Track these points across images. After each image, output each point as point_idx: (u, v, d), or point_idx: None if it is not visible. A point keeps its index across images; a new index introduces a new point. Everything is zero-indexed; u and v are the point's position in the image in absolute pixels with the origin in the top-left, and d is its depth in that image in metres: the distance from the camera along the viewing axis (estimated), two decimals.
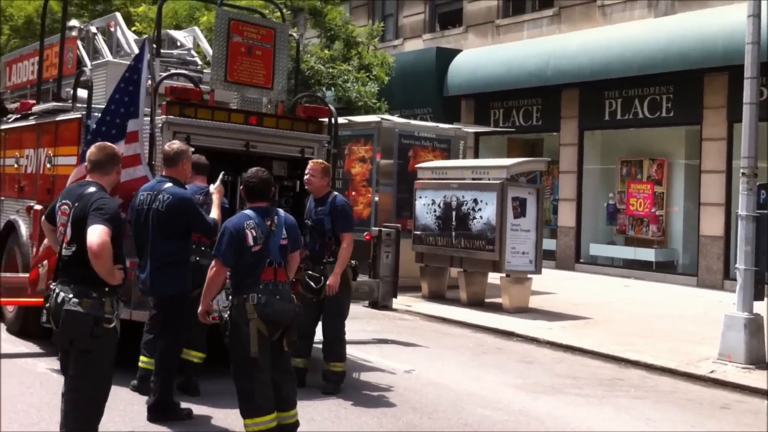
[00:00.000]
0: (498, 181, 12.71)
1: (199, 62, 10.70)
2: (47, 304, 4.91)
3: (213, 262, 5.70)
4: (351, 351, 9.14)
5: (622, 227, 18.55)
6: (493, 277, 13.34)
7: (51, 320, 4.89)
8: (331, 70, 19.19)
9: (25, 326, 8.75)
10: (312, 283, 7.37)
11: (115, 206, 4.96)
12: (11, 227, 9.47)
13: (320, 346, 7.68)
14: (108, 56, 10.30)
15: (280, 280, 5.76)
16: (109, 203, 4.87)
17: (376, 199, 14.68)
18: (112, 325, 4.84)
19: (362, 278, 9.31)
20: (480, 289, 13.24)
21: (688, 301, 14.45)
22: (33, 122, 9.67)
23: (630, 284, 16.58)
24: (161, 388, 6.34)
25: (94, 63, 10.16)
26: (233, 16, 8.51)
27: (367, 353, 9.37)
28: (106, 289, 4.82)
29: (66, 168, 8.27)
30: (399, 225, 9.70)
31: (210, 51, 9.81)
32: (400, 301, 12.93)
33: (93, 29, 11.01)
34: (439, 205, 13.44)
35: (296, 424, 5.95)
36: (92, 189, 4.95)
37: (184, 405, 6.55)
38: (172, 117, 7.74)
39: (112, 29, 10.90)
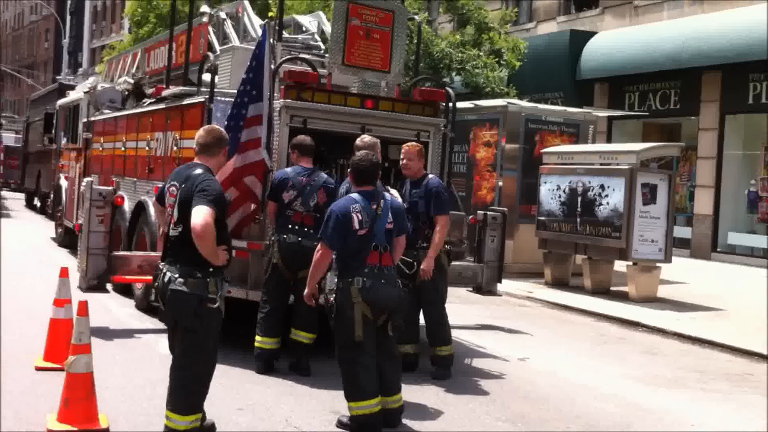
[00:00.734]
0: (627, 167, 12.34)
1: (323, 47, 10.81)
2: (155, 284, 5.06)
3: (319, 245, 5.73)
4: (465, 336, 9.11)
5: (763, 216, 17.62)
6: (620, 265, 12.95)
7: (158, 299, 5.05)
8: (461, 54, 19.04)
9: (151, 303, 9.11)
10: (405, 269, 7.10)
11: (220, 188, 5.04)
12: (141, 207, 9.87)
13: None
14: (235, 41, 10.56)
15: (385, 265, 5.74)
16: (214, 185, 4.94)
17: (500, 184, 14.49)
18: (216, 305, 4.93)
19: (466, 263, 9.17)
20: (605, 277, 12.90)
21: None
22: (162, 106, 10.03)
23: None
24: None
25: (221, 48, 10.43)
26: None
27: (482, 339, 9.26)
28: (211, 269, 4.90)
29: (189, 150, 8.52)
30: (506, 209, 9.46)
31: None
32: (521, 287, 12.77)
33: (222, 15, 11.30)
34: (564, 191, 13.15)
35: (401, 409, 5.93)
36: (199, 171, 5.04)
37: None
38: (289, 101, 7.82)
39: (240, 15, 11.15)
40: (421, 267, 7.15)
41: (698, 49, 17.72)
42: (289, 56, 9.01)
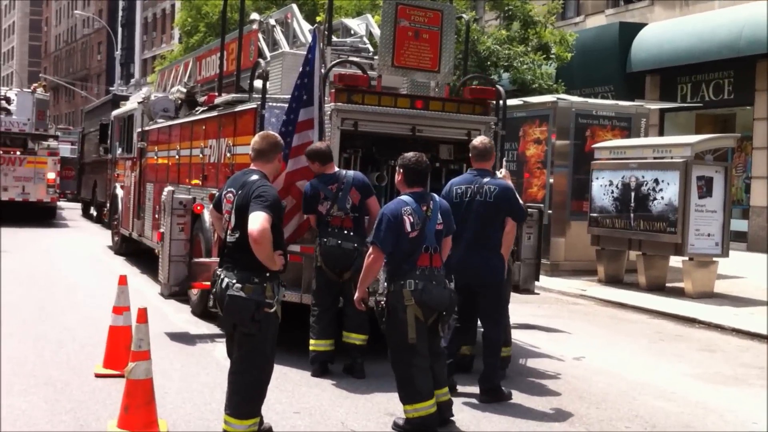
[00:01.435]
0: (681, 160, 12.17)
1: (371, 49, 10.85)
2: (213, 290, 5.13)
3: (371, 249, 5.74)
4: (519, 336, 9.06)
5: None
6: (675, 261, 12.77)
7: (216, 305, 5.13)
8: (507, 51, 18.94)
9: (207, 309, 9.22)
10: None
11: (276, 194, 5.10)
12: (196, 214, 10.00)
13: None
14: (285, 47, 10.65)
15: (435, 266, 5.74)
16: (270, 191, 5.01)
17: (551, 181, 14.38)
18: (273, 309, 4.99)
19: None
20: (660, 273, 12.73)
21: None
22: (215, 114, 10.16)
23: None
24: (493, 371, 6.63)
25: (271, 54, 10.54)
26: (401, 0, 8.52)
27: (536, 338, 9.22)
28: (268, 274, 4.97)
29: (243, 157, 8.63)
30: (542, 205, 9.39)
31: None
32: (574, 285, 12.67)
33: (272, 21, 11.41)
34: (617, 186, 13.02)
35: (450, 402, 5.95)
36: (255, 177, 5.11)
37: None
38: (340, 104, 7.87)
39: (289, 20, 11.26)
40: None
41: (754, 36, 17.37)
42: (338, 60, 9.07)
